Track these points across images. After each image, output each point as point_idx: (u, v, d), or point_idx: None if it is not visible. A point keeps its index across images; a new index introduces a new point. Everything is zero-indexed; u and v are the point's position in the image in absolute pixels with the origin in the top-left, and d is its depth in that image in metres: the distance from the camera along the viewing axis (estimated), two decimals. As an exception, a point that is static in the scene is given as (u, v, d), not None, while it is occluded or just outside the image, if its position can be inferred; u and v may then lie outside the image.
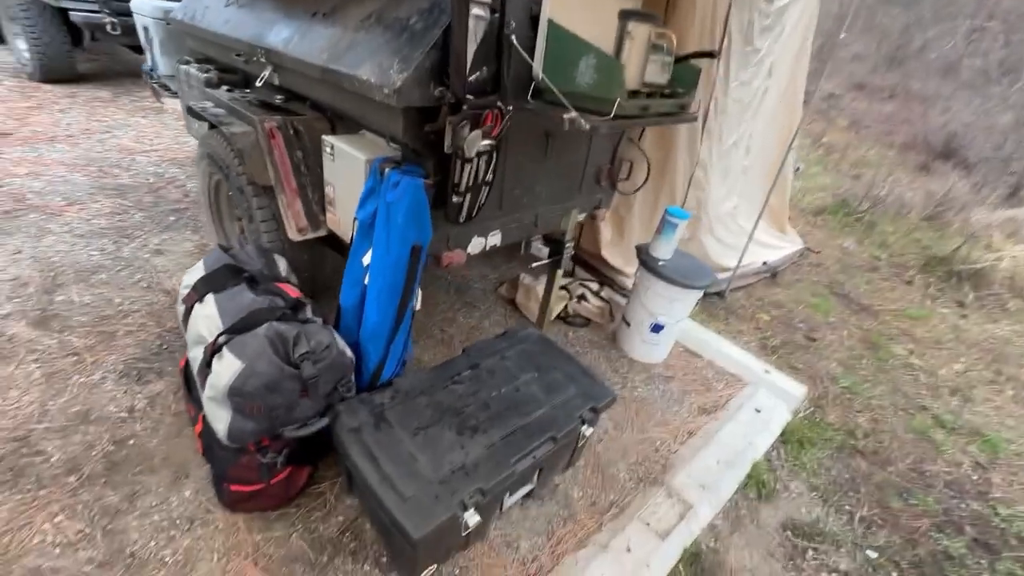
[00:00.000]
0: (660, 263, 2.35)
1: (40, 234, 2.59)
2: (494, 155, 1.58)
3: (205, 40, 2.41)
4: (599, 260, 3.12)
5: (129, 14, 3.43)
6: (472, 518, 1.28)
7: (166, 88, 3.15)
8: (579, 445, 1.69)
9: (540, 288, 2.71)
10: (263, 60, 1.88)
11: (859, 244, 4.61)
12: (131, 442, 1.66)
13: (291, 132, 1.82)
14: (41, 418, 1.69)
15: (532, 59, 1.50)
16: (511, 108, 1.47)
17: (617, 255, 3.08)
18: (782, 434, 2.25)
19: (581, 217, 2.33)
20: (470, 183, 1.55)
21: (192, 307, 1.52)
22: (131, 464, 1.60)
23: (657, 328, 2.42)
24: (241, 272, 1.60)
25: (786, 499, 1.97)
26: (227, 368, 1.28)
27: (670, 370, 2.53)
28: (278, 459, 1.42)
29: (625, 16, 1.45)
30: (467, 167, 1.48)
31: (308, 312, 1.58)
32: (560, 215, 2.21)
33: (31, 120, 3.92)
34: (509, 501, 1.55)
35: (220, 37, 2.15)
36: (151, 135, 4.06)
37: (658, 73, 1.67)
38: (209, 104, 2.06)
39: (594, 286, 2.88)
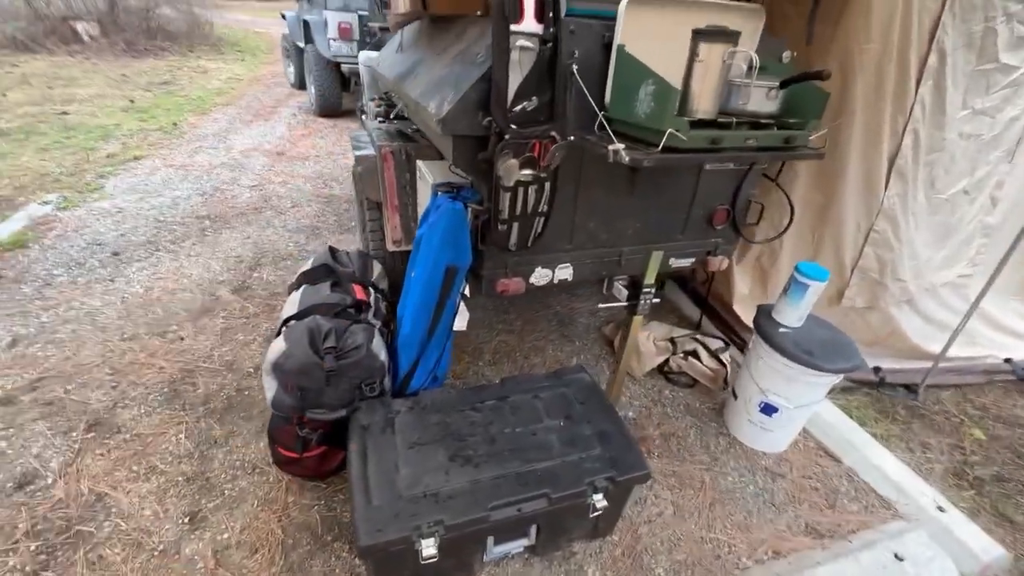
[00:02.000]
0: (781, 330, 1.90)
1: (267, 226, 3.48)
2: (546, 185, 1.53)
3: (383, 80, 2.93)
4: (733, 316, 2.67)
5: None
6: (428, 548, 1.24)
7: (371, 120, 3.91)
8: (595, 515, 1.48)
9: (643, 335, 2.47)
10: (396, 95, 2.20)
11: None
12: (247, 392, 2.10)
13: (403, 157, 2.07)
14: (207, 359, 2.27)
15: (587, 90, 1.42)
16: (557, 138, 1.42)
17: (751, 306, 2.59)
18: (935, 605, 1.57)
19: (684, 263, 2.05)
20: (516, 212, 1.53)
21: (290, 292, 1.86)
22: (240, 409, 2.02)
23: (768, 409, 1.95)
24: (332, 271, 1.88)
25: None
26: (276, 347, 1.53)
27: (783, 466, 2.01)
28: (313, 436, 1.62)
29: (697, 35, 1.25)
30: (506, 195, 1.47)
31: (370, 314, 1.77)
32: (659, 256, 1.99)
33: (300, 143, 5.30)
34: (497, 549, 1.45)
35: (383, 78, 2.59)
36: (370, 157, 5.07)
37: (762, 101, 1.39)
38: (362, 133, 2.49)
39: (714, 344, 2.48)
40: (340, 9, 5.45)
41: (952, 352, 2.63)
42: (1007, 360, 2.71)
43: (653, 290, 1.85)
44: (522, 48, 1.31)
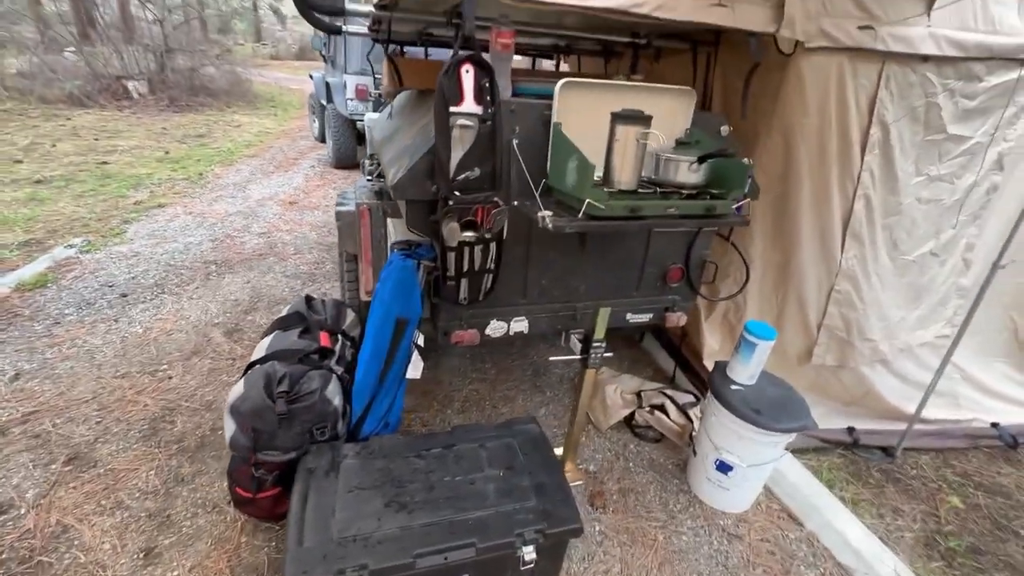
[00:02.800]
0: (732, 387, 1.94)
1: (267, 271, 3.69)
2: (491, 246, 1.65)
3: (373, 142, 3.17)
4: (706, 370, 2.69)
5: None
6: (351, 593, 1.28)
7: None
8: (526, 567, 1.49)
9: (610, 387, 2.51)
10: (376, 157, 2.40)
11: None
12: (220, 432, 2.20)
13: (379, 214, 2.24)
14: (189, 398, 2.39)
15: (527, 162, 1.57)
16: (500, 204, 1.55)
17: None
18: None
19: (642, 319, 2.13)
20: (463, 269, 1.65)
21: (263, 338, 1.99)
22: (211, 448, 2.12)
23: (723, 467, 1.95)
24: (303, 319, 2.01)
25: None
26: (236, 389, 1.64)
27: (742, 527, 1.98)
28: (268, 477, 1.70)
29: (614, 118, 1.39)
30: (451, 255, 1.59)
31: (333, 360, 1.87)
32: (615, 313, 2.08)
33: (314, 194, 5.63)
34: (429, 598, 1.47)
35: (373, 140, 2.83)
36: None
37: (686, 173, 1.51)
38: (350, 189, 2.70)
39: (683, 398, 2.50)
40: (358, 73, 5.93)
41: (935, 415, 2.59)
42: (994, 424, 2.64)
43: (603, 345, 1.91)
44: (462, 126, 1.47)
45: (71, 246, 3.86)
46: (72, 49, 12.03)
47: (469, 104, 1.47)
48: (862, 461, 2.40)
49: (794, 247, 2.24)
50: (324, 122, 7.18)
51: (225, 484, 1.93)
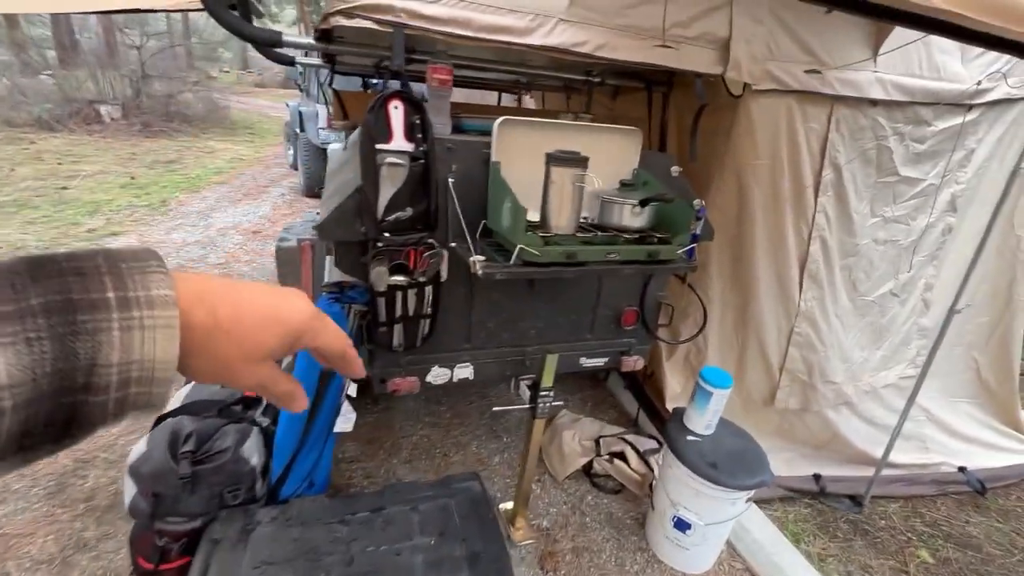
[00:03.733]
0: (689, 438, 1.83)
1: (218, 305, 3.50)
2: (427, 290, 1.54)
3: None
4: (668, 414, 2.59)
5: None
6: None
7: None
8: (455, 654, 1.33)
9: (568, 433, 2.39)
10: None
11: None
12: (138, 488, 1.99)
13: (324, 251, 2.13)
14: (108, 448, 2.18)
15: (461, 201, 1.49)
16: (435, 246, 1.46)
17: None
18: None
19: (597, 363, 2.03)
20: (396, 314, 1.54)
21: (182, 386, 1.82)
22: (123, 508, 1.91)
23: (681, 525, 1.82)
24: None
25: None
26: (137, 447, 1.47)
27: (702, 591, 1.84)
28: (173, 546, 1.51)
29: (549, 159, 1.32)
30: (380, 300, 1.48)
31: (258, 411, 1.72)
32: (568, 357, 1.97)
33: (280, 223, 5.49)
34: None
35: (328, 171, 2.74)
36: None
37: (629, 217, 1.44)
38: (297, 223, 2.58)
39: (644, 444, 2.38)
40: (329, 103, 5.89)
41: (903, 459, 2.51)
42: (961, 469, 2.58)
43: (551, 394, 1.80)
44: (391, 164, 1.38)
45: (8, 277, 3.63)
46: (49, 72, 11.88)
47: (399, 142, 1.38)
48: (830, 511, 2.29)
49: (752, 289, 2.18)
50: (297, 150, 7.11)
51: (132, 550, 1.73)
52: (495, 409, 1.81)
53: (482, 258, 1.33)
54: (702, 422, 1.83)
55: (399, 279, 1.45)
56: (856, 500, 2.37)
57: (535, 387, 1.83)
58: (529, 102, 4.02)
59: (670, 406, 2.51)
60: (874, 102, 1.98)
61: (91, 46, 13.53)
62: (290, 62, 2.72)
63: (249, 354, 0.37)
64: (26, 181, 6.33)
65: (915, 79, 2.01)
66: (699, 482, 1.72)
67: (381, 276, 1.41)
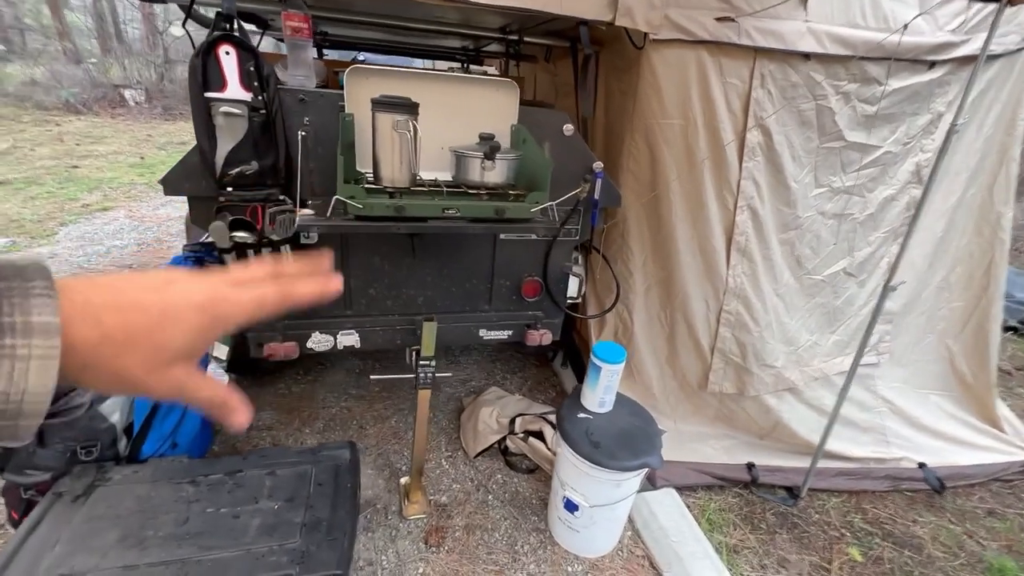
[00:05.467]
0: (580, 415, 1.73)
1: (181, 277, 3.57)
2: (283, 248, 1.49)
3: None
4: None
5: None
6: (35, 645, 1.10)
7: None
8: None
9: (486, 410, 2.31)
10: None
11: None
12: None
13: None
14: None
15: (317, 157, 1.42)
16: (287, 201, 1.40)
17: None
18: None
19: (499, 336, 1.94)
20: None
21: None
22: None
23: (570, 506, 1.73)
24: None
25: None
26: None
27: (592, 575, 1.75)
28: (39, 499, 1.53)
29: (374, 105, 1.23)
30: (227, 257, 1.43)
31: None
32: (464, 328, 1.90)
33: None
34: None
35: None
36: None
37: (480, 171, 1.34)
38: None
39: (567, 425, 2.28)
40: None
41: (859, 452, 2.34)
42: (921, 465, 2.37)
43: (433, 364, 1.72)
44: (227, 114, 1.32)
45: (-6, 246, 3.81)
46: (93, 61, 12.36)
47: (234, 90, 1.32)
48: (760, 502, 2.15)
49: (673, 261, 2.04)
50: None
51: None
52: (372, 377, 1.75)
53: (309, 212, 1.26)
54: (595, 399, 1.73)
55: (243, 236, 1.40)
56: (793, 492, 2.22)
57: (418, 357, 1.76)
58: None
59: (599, 386, 2.40)
60: (807, 56, 1.79)
61: (134, 35, 14.03)
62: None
63: (149, 360, 0.33)
64: (42, 160, 6.62)
65: (857, 30, 1.81)
66: (582, 461, 1.62)
67: (219, 232, 1.37)
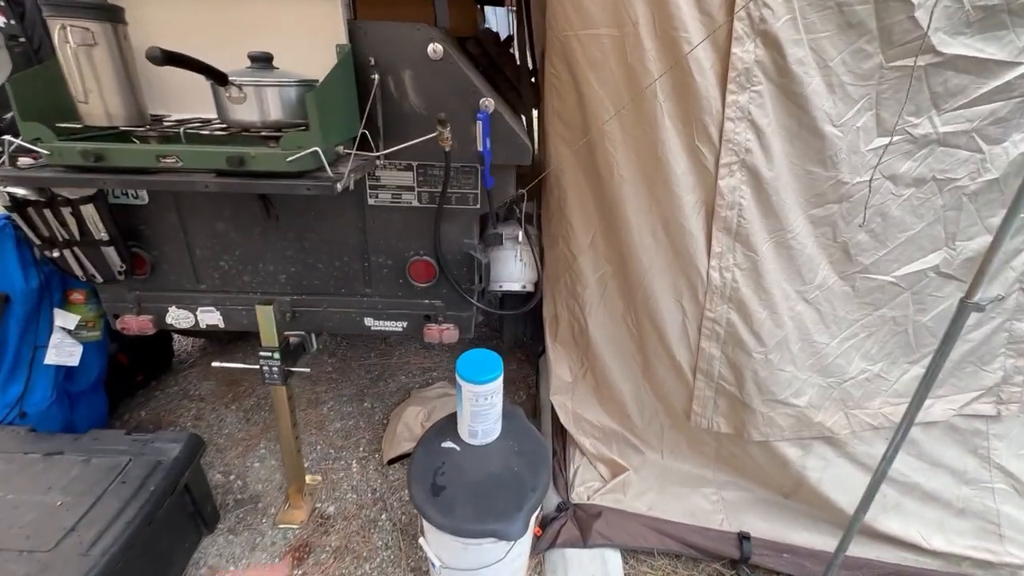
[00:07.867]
0: (442, 446, 1.29)
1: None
2: (85, 209, 1.27)
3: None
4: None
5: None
6: None
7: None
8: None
9: (411, 411, 1.97)
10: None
11: None
12: None
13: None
14: None
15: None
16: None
17: (581, 402, 1.85)
18: None
19: (390, 327, 1.56)
20: (60, 237, 1.30)
21: None
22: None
23: (431, 561, 1.32)
24: None
25: None
26: None
27: (451, 652, 1.33)
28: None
29: (45, 7, 0.88)
30: (17, 217, 1.25)
31: None
32: (343, 315, 1.56)
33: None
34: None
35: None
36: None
37: (233, 106, 0.95)
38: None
39: (504, 442, 1.83)
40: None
41: (943, 544, 1.59)
42: None
43: (275, 355, 1.40)
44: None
45: None
46: None
47: (-16, 14, 1.10)
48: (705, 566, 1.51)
49: (625, 243, 1.43)
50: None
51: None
52: (214, 364, 1.49)
53: (30, 161, 1.00)
54: (465, 428, 1.27)
55: (18, 192, 1.20)
56: (745, 562, 1.53)
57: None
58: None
59: (555, 399, 1.88)
60: None
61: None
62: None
63: None
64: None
65: None
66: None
67: (-8, 187, 1.18)
